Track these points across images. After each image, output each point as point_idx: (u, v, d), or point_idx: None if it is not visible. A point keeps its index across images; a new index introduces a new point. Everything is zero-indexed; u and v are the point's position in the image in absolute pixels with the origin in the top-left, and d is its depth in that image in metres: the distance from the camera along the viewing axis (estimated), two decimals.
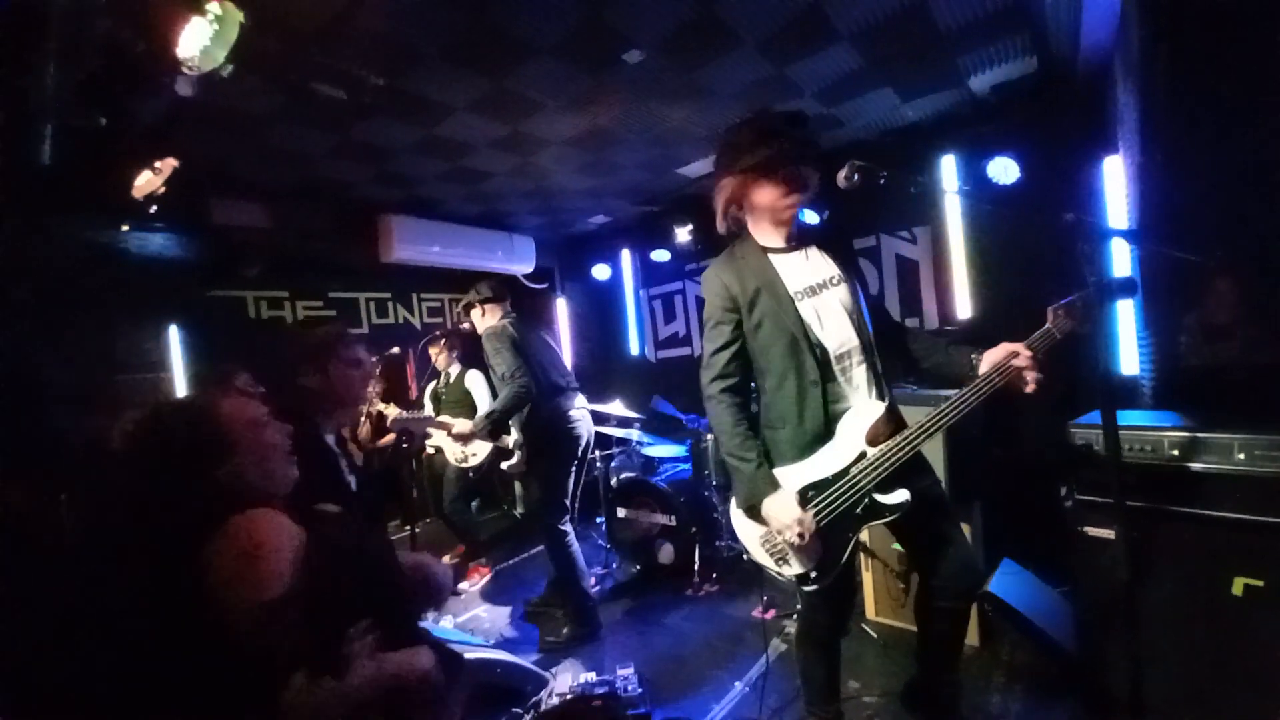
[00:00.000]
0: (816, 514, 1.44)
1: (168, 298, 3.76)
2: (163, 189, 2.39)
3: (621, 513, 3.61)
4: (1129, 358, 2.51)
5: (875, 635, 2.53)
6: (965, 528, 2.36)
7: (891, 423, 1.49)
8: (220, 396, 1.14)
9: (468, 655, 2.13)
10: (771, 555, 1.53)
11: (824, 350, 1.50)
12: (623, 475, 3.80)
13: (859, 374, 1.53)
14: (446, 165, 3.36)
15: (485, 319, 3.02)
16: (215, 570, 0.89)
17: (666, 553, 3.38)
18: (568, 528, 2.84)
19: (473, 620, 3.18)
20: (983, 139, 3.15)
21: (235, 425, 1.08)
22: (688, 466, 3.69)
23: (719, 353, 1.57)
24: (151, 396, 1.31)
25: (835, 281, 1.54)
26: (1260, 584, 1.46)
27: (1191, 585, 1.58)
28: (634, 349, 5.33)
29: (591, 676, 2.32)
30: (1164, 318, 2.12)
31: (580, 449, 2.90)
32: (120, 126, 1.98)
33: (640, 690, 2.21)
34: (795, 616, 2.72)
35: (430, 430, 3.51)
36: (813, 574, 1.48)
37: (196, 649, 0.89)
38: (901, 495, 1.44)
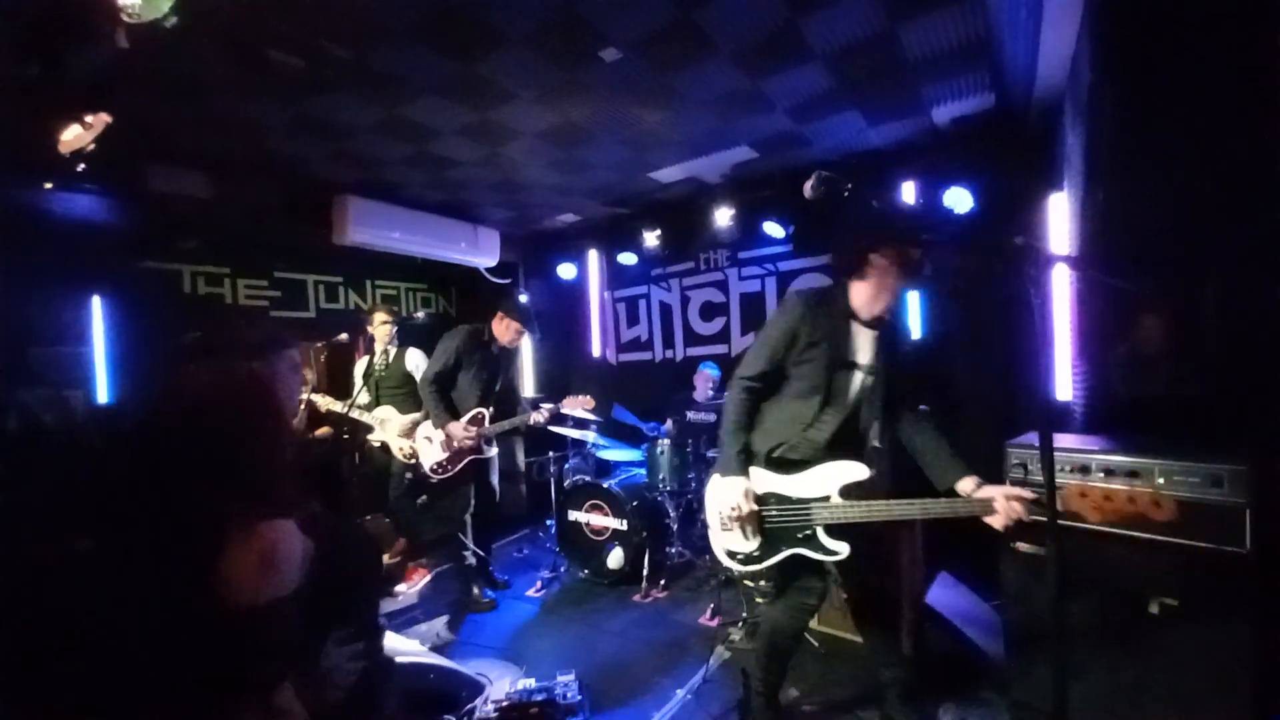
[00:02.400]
0: (766, 517, 1.74)
1: (93, 266, 3.48)
2: (92, 146, 2.20)
3: (572, 515, 3.55)
4: (1063, 384, 2.64)
5: (817, 644, 2.56)
6: (907, 542, 2.43)
7: (868, 489, 1.69)
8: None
9: (398, 659, 2.03)
10: (719, 523, 1.81)
11: (834, 410, 1.74)
12: (575, 478, 3.74)
13: (845, 441, 1.76)
14: (410, 149, 3.25)
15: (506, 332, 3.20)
16: (233, 568, 0.90)
17: (616, 557, 3.34)
18: None
19: (408, 624, 3.05)
20: (940, 168, 3.28)
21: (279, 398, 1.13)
22: (642, 471, 3.67)
23: (758, 363, 1.80)
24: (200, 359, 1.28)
25: (870, 371, 1.74)
26: (1175, 604, 1.55)
27: (1113, 603, 1.66)
28: (595, 351, 5.29)
29: (530, 683, 2.25)
30: (1096, 349, 2.25)
31: None
32: (53, 77, 1.81)
33: (580, 697, 2.17)
34: (741, 624, 2.74)
35: (372, 424, 3.38)
36: (739, 556, 1.80)
37: (197, 639, 0.90)
38: (841, 548, 1.67)
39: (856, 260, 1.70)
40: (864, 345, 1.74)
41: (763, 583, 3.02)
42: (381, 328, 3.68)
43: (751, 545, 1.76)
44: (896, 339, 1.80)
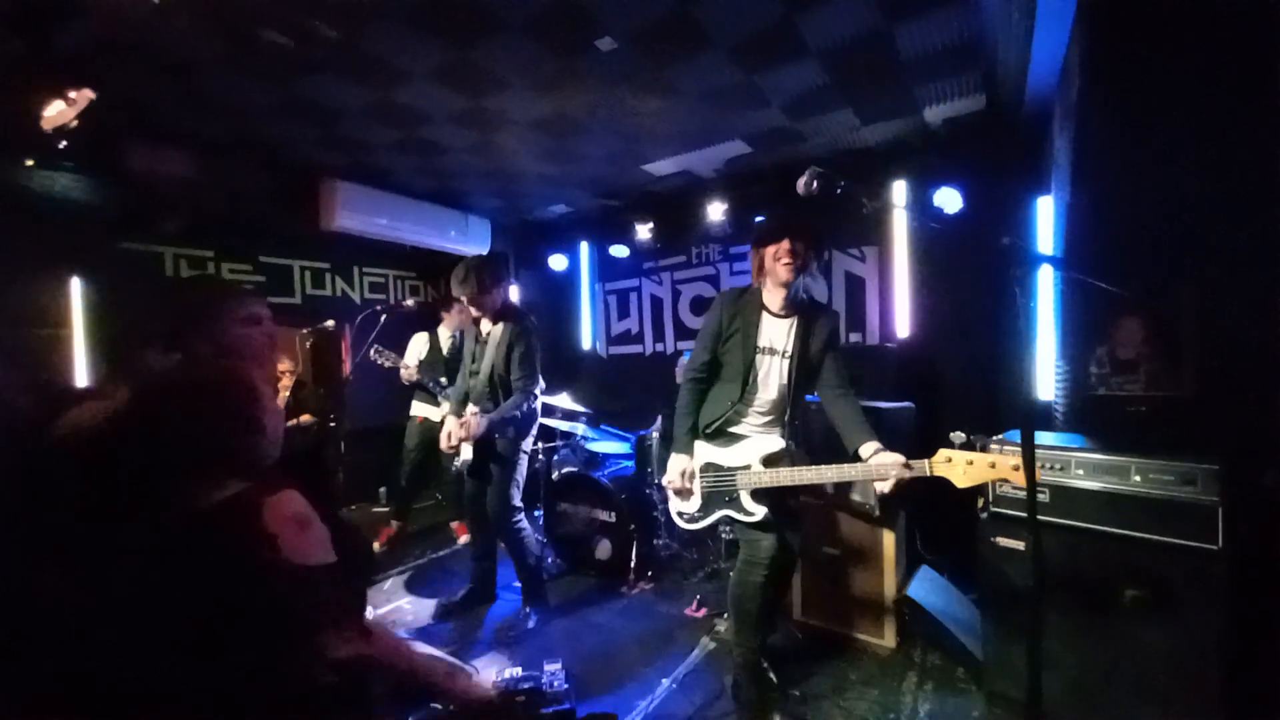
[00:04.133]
0: (704, 482, 2.03)
1: (72, 246, 3.40)
2: (75, 123, 2.14)
3: (561, 507, 3.56)
4: (1045, 384, 2.70)
5: (800, 635, 2.60)
6: (889, 534, 2.47)
7: (785, 458, 1.96)
8: (240, 362, 1.19)
9: None
10: (671, 491, 2.11)
11: (754, 389, 2.00)
12: (565, 469, 3.74)
13: (771, 416, 2.03)
14: (401, 134, 3.21)
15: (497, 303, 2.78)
16: (271, 535, 0.93)
17: (604, 549, 3.35)
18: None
19: (395, 612, 3.04)
20: (931, 168, 3.32)
21: (263, 392, 1.09)
22: (631, 463, 3.68)
23: (699, 356, 2.11)
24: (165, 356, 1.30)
25: (785, 355, 2.00)
26: (1148, 596, 1.60)
27: (1087, 595, 1.71)
28: (585, 343, 5.28)
29: (516, 671, 2.26)
30: (1077, 351, 2.29)
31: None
32: (37, 51, 1.76)
33: (566, 686, 2.17)
34: (726, 615, 2.77)
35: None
36: (684, 515, 2.09)
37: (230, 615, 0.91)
38: (758, 510, 1.92)
39: (753, 262, 2.03)
40: (778, 333, 2.00)
41: None
42: (459, 315, 3.83)
43: (693, 506, 2.07)
44: (812, 328, 2.00)
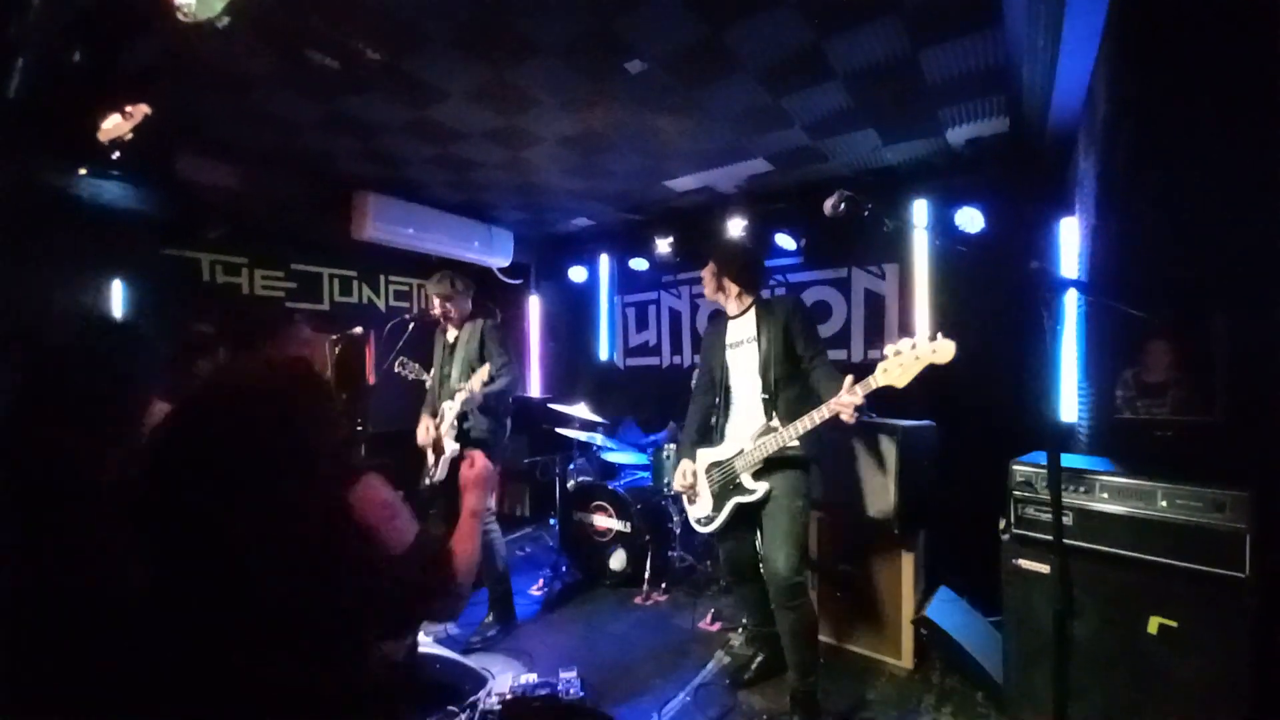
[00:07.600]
0: (711, 480, 2.25)
1: (116, 250, 3.54)
2: (130, 136, 2.26)
3: (576, 516, 3.59)
4: (1069, 406, 2.68)
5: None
6: (908, 553, 2.47)
7: (770, 431, 2.10)
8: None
9: None
10: (685, 499, 2.37)
11: (727, 383, 2.29)
12: (580, 479, 3.78)
13: (751, 401, 2.22)
14: (434, 150, 3.31)
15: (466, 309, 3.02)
16: (363, 520, 0.95)
17: (618, 559, 3.37)
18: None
19: None
20: (953, 188, 3.33)
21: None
22: (647, 474, 3.71)
23: (696, 372, 2.50)
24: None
25: (749, 341, 2.24)
26: (1174, 624, 1.58)
27: (1112, 622, 1.69)
28: (603, 354, 5.33)
29: (532, 678, 2.29)
30: (1102, 372, 2.28)
31: None
32: (98, 66, 1.88)
33: (582, 694, 2.20)
34: (741, 629, 2.77)
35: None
36: (701, 519, 2.30)
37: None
38: (760, 486, 2.11)
39: (722, 288, 2.34)
40: (741, 328, 2.28)
41: None
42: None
43: (706, 507, 2.27)
44: (770, 310, 2.22)
